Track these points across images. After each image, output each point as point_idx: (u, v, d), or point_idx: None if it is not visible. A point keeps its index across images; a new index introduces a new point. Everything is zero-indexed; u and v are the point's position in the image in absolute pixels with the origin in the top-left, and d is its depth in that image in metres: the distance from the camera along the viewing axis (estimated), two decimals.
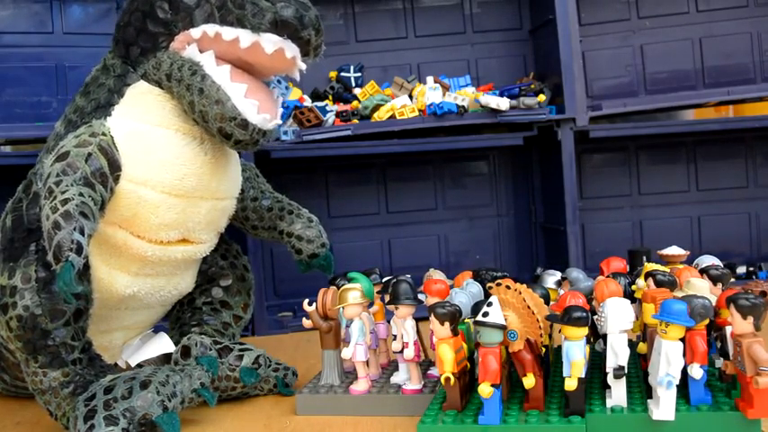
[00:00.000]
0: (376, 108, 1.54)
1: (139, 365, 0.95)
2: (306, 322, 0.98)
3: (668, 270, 0.91)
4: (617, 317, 0.77)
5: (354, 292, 0.92)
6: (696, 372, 0.75)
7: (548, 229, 1.70)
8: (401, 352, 0.90)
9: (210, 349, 0.95)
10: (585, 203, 1.70)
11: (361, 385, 0.92)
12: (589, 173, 1.73)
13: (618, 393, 0.78)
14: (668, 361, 0.73)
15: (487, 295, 0.92)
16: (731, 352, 0.80)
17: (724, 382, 0.82)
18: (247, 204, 1.07)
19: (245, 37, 0.83)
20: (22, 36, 1.50)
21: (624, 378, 0.77)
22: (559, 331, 0.78)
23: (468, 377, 0.85)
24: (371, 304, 0.97)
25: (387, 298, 0.94)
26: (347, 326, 0.94)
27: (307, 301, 0.97)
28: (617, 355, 0.76)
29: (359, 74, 1.65)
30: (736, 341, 0.75)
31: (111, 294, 0.92)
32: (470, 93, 1.57)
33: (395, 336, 0.91)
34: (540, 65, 1.69)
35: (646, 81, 1.71)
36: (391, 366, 1.01)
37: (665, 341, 0.73)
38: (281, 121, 0.92)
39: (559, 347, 0.83)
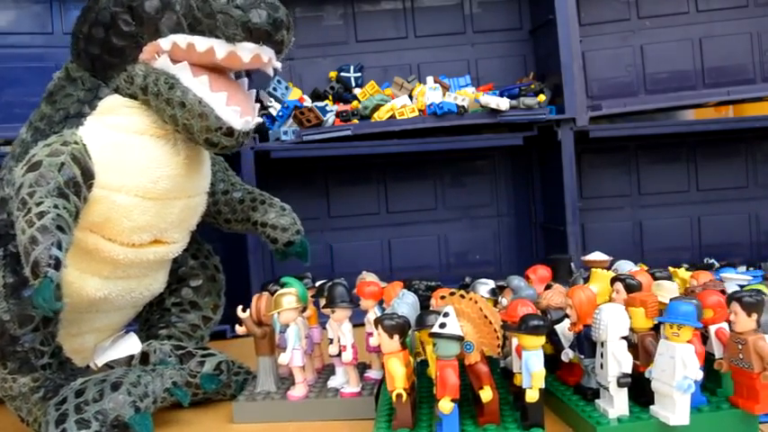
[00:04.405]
0: (376, 108, 1.54)
1: (110, 366, 0.94)
2: (239, 329, 0.96)
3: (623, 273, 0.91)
4: (615, 323, 0.75)
5: (289, 296, 0.91)
6: (698, 373, 0.74)
7: (548, 229, 1.69)
8: (338, 355, 0.89)
9: (170, 356, 0.94)
10: (585, 203, 1.70)
11: (298, 390, 0.91)
12: (589, 173, 1.73)
13: (620, 403, 0.76)
14: (684, 364, 0.71)
15: (424, 306, 0.92)
16: (718, 350, 0.81)
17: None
18: (219, 198, 1.06)
19: (219, 47, 0.82)
20: (22, 37, 1.51)
21: (627, 387, 0.76)
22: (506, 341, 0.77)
23: (416, 392, 0.83)
24: (304, 309, 0.96)
25: (321, 302, 0.93)
26: (281, 331, 0.93)
27: (240, 307, 0.96)
28: (620, 362, 0.75)
29: (359, 74, 1.65)
30: (738, 339, 0.76)
31: (81, 298, 0.91)
32: (470, 93, 1.57)
33: (331, 339, 0.91)
34: (540, 65, 1.69)
35: (646, 81, 1.71)
36: (326, 371, 1.00)
37: (679, 345, 0.72)
38: (259, 119, 0.91)
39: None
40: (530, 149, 1.69)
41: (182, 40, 0.84)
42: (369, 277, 1.01)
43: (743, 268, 1.61)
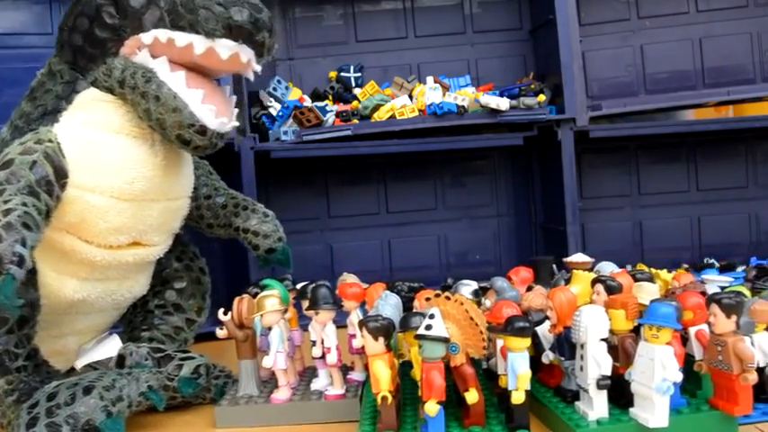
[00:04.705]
0: (376, 108, 1.54)
1: (95, 368, 0.93)
2: (220, 332, 0.94)
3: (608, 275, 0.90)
4: (595, 325, 0.75)
5: (272, 299, 0.90)
6: (678, 375, 0.73)
7: (548, 229, 1.69)
8: (322, 357, 0.88)
9: (147, 359, 0.93)
10: (585, 203, 1.70)
11: (282, 393, 0.90)
12: (589, 173, 1.73)
13: (600, 405, 0.75)
14: (663, 366, 0.71)
15: (406, 308, 0.91)
16: (698, 352, 0.80)
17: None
18: (201, 203, 1.05)
19: (199, 43, 0.82)
20: (22, 37, 1.50)
21: (606, 389, 0.75)
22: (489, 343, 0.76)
23: (401, 394, 0.82)
24: (285, 311, 0.95)
25: (303, 304, 0.92)
26: (263, 334, 0.92)
27: (222, 310, 0.94)
28: (599, 364, 0.74)
29: (359, 74, 1.65)
30: (718, 341, 0.75)
31: (60, 300, 0.90)
32: (470, 93, 1.57)
33: (314, 341, 0.89)
34: (540, 65, 1.69)
35: (646, 81, 1.71)
36: (307, 373, 0.99)
37: (658, 346, 0.72)
38: (237, 123, 0.89)
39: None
40: (530, 149, 1.69)
41: (162, 34, 0.83)
42: (350, 278, 1.00)
43: (742, 268, 1.61)
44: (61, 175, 0.83)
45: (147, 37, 0.85)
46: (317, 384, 0.92)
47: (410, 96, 1.58)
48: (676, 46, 1.71)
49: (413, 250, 1.72)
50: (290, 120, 1.55)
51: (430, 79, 1.59)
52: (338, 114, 1.55)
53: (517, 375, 0.72)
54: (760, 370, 0.79)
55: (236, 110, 0.90)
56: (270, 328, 0.89)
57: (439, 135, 1.61)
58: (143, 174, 0.88)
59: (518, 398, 0.72)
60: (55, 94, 0.91)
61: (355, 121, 1.54)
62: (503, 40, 1.74)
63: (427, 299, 0.80)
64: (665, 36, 1.71)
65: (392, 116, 1.52)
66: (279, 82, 1.62)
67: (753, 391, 0.76)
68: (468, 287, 0.97)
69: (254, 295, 0.93)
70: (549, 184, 1.68)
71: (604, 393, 0.75)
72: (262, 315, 0.90)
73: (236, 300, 0.94)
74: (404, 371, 0.85)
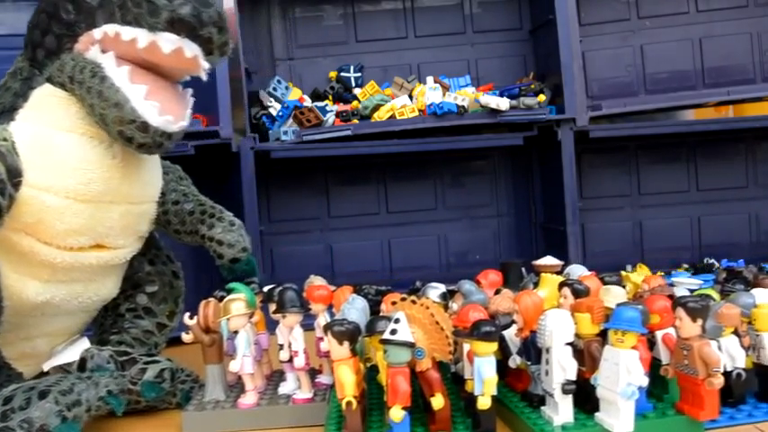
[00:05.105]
0: (376, 108, 1.54)
1: (67, 371, 0.92)
2: (185, 337, 0.93)
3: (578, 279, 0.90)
4: (560, 329, 0.74)
5: (238, 302, 0.88)
6: (643, 379, 0.73)
7: (548, 229, 1.69)
8: (290, 361, 0.87)
9: (109, 362, 0.91)
10: (585, 203, 1.70)
11: (249, 398, 0.89)
12: (589, 173, 1.73)
13: (565, 410, 0.75)
14: (628, 371, 0.70)
15: (374, 311, 0.90)
16: (664, 356, 0.80)
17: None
18: (168, 208, 1.03)
19: (142, 37, 0.80)
20: (21, 39, 1.50)
21: (572, 393, 0.74)
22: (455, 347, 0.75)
23: (366, 399, 0.81)
24: (252, 314, 0.93)
25: (271, 307, 0.91)
26: (230, 338, 0.90)
27: (188, 314, 0.93)
28: (564, 369, 0.73)
29: (359, 74, 1.65)
30: (684, 345, 0.75)
31: (22, 302, 0.89)
32: (470, 93, 1.57)
33: (281, 345, 0.88)
34: (540, 65, 1.69)
35: (646, 81, 1.71)
36: (275, 377, 0.98)
37: (623, 351, 0.71)
38: (186, 123, 0.86)
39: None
40: (530, 149, 1.69)
41: (111, 29, 0.82)
42: (317, 281, 0.99)
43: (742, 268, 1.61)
44: (14, 173, 0.82)
45: (98, 32, 0.84)
46: (284, 388, 0.91)
47: (410, 96, 1.58)
48: (676, 46, 1.71)
49: (413, 250, 1.72)
50: (290, 120, 1.55)
51: (430, 79, 1.59)
52: (338, 114, 1.55)
53: (483, 380, 0.71)
54: (727, 374, 0.78)
55: (189, 112, 0.87)
56: (236, 332, 0.88)
57: (439, 135, 1.61)
58: (99, 175, 0.87)
59: (484, 403, 0.71)
60: (13, 92, 0.90)
61: (355, 121, 1.54)
62: (503, 40, 1.74)
63: (393, 303, 0.78)
64: (665, 36, 1.71)
65: (392, 116, 1.52)
66: (279, 82, 1.62)
67: (720, 394, 0.76)
68: (435, 290, 0.97)
69: (221, 299, 0.91)
70: (549, 184, 1.68)
71: (570, 398, 0.75)
72: (228, 319, 0.88)
73: (202, 303, 0.92)
74: (371, 375, 0.84)
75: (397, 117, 1.52)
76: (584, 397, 0.76)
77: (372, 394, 0.86)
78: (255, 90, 1.62)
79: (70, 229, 0.87)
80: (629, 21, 1.72)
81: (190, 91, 0.89)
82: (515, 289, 0.95)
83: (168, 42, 0.80)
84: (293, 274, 1.66)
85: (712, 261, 1.60)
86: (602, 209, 1.74)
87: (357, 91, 1.62)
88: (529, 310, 0.80)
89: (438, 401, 0.72)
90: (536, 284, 0.98)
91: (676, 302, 0.76)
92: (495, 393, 0.72)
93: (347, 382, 0.72)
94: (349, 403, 0.72)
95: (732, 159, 1.75)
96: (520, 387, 0.84)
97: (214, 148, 1.43)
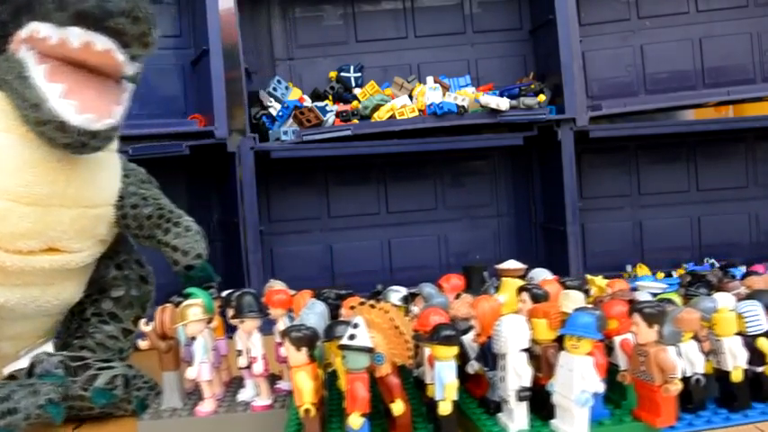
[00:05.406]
0: (376, 108, 1.54)
1: (15, 376, 0.91)
2: (141, 344, 0.90)
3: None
4: (515, 335, 0.73)
5: (195, 308, 0.86)
6: (599, 386, 0.73)
7: (548, 229, 1.69)
8: (248, 367, 0.86)
9: (57, 368, 0.89)
10: (585, 203, 1.70)
11: (207, 406, 0.86)
12: (589, 173, 1.73)
13: (520, 416, 0.74)
14: (582, 377, 0.70)
15: (333, 316, 0.89)
16: (622, 362, 0.79)
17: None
18: (127, 212, 1.00)
19: (53, 33, 0.78)
20: None
21: (527, 400, 0.73)
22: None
23: (326, 406, 0.79)
24: (211, 320, 0.91)
25: (229, 312, 0.89)
26: (187, 344, 0.88)
27: (143, 320, 0.91)
28: (519, 376, 0.72)
29: (359, 74, 1.65)
30: (640, 351, 0.74)
31: None
32: (470, 93, 1.57)
33: (239, 351, 0.87)
34: (540, 65, 1.69)
35: (646, 81, 1.71)
36: (234, 384, 0.96)
37: (577, 357, 0.70)
38: (113, 120, 0.83)
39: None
40: (530, 149, 1.69)
41: (34, 28, 0.81)
42: (277, 285, 0.97)
43: (743, 268, 1.61)
44: None
45: (24, 31, 0.82)
46: (243, 395, 0.89)
47: (410, 96, 1.58)
48: (676, 46, 1.71)
49: (413, 250, 1.72)
50: (290, 120, 1.55)
51: (430, 79, 1.59)
52: (338, 114, 1.55)
53: (444, 385, 0.70)
54: (686, 379, 0.78)
55: (119, 108, 0.84)
56: (194, 338, 0.86)
57: (439, 135, 1.61)
58: (42, 177, 0.85)
59: (445, 408, 0.70)
60: None
61: (355, 121, 1.54)
62: (503, 40, 1.74)
63: (352, 307, 0.77)
64: (665, 36, 1.71)
65: (392, 116, 1.52)
66: (279, 82, 1.62)
67: (680, 399, 0.76)
68: (396, 293, 0.95)
69: (177, 304, 0.89)
70: (549, 184, 1.68)
71: (525, 405, 0.74)
72: (184, 325, 0.86)
73: (158, 309, 0.90)
74: (332, 381, 0.83)
75: (397, 117, 1.52)
76: (541, 403, 0.75)
77: (333, 400, 0.83)
78: (255, 90, 1.62)
79: (17, 233, 0.85)
80: (629, 21, 1.72)
81: (128, 87, 0.86)
82: (477, 293, 0.93)
83: (76, 37, 0.77)
84: (293, 274, 1.66)
85: (712, 261, 1.60)
86: (602, 209, 1.74)
87: (357, 91, 1.62)
88: (486, 316, 0.79)
89: (398, 407, 0.71)
90: (498, 289, 0.97)
91: (632, 308, 0.75)
92: (455, 398, 0.71)
93: (305, 388, 0.71)
94: (307, 410, 0.71)
95: (732, 159, 1.75)
96: (478, 393, 0.83)
97: (213, 148, 1.43)
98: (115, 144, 0.98)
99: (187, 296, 0.89)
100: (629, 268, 1.65)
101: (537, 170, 1.73)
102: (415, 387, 0.86)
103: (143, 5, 0.78)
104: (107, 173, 0.96)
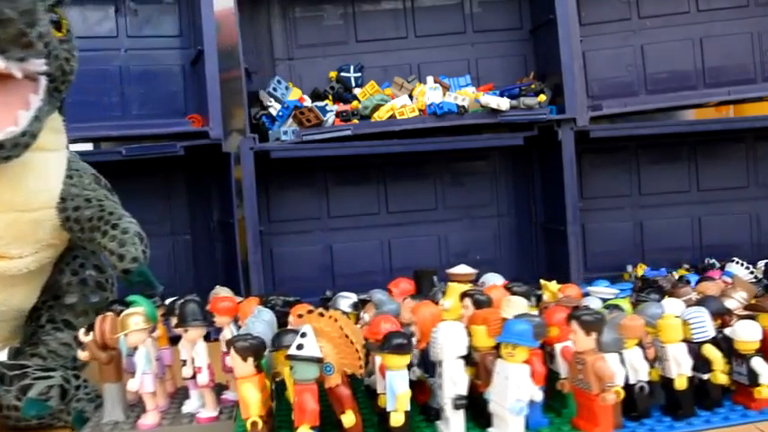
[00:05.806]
0: (376, 108, 1.54)
1: None
2: (81, 354, 0.87)
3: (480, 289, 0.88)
4: (452, 342, 0.72)
5: (136, 317, 0.83)
6: (536, 394, 0.72)
7: (548, 229, 1.69)
8: (193, 378, 0.83)
9: None
10: (586, 203, 1.70)
11: (150, 418, 0.84)
12: (589, 173, 1.73)
13: (457, 424, 0.73)
14: (517, 386, 0.69)
15: (281, 323, 0.87)
16: (563, 370, 0.78)
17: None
18: (69, 214, 0.95)
19: None
20: None
21: (463, 408, 0.72)
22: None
23: (274, 418, 0.78)
24: (154, 329, 0.89)
25: (173, 321, 0.87)
26: (129, 355, 0.85)
27: (83, 330, 0.88)
28: (455, 383, 0.72)
29: (359, 74, 1.64)
30: (578, 359, 0.74)
31: None
32: (470, 93, 1.57)
33: (184, 361, 0.84)
34: (540, 65, 1.69)
35: (646, 81, 1.71)
36: (179, 395, 0.93)
37: (512, 365, 0.70)
38: (16, 128, 0.79)
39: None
40: (530, 149, 1.69)
41: None
42: (223, 292, 0.96)
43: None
44: None
45: None
46: (188, 407, 0.87)
47: (410, 96, 1.58)
48: (677, 46, 1.70)
49: (413, 250, 1.72)
50: (290, 120, 1.55)
51: (430, 79, 1.59)
52: (338, 114, 1.54)
53: (396, 395, 0.69)
54: (630, 386, 0.77)
55: (29, 114, 0.81)
56: (136, 348, 0.83)
57: (439, 135, 1.60)
58: None
59: (397, 420, 0.69)
60: None
61: (355, 121, 1.54)
62: (503, 39, 1.74)
63: (300, 315, 0.75)
64: (665, 36, 1.71)
65: (392, 116, 1.52)
66: (279, 82, 1.62)
67: (623, 407, 0.75)
68: (347, 300, 0.94)
69: (119, 313, 0.86)
70: (549, 184, 1.67)
71: (461, 413, 0.73)
72: (126, 334, 0.83)
73: (98, 318, 0.87)
74: (280, 391, 0.81)
75: (397, 117, 1.51)
76: (479, 411, 0.75)
77: (282, 412, 0.81)
78: (255, 90, 1.62)
79: None
80: (630, 20, 1.72)
81: (42, 84, 0.83)
82: (425, 298, 0.91)
83: None
84: (293, 275, 1.66)
85: (713, 261, 1.60)
86: (602, 209, 1.74)
87: (357, 91, 1.61)
88: (426, 321, 0.78)
89: (349, 419, 0.70)
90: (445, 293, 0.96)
91: (570, 315, 0.75)
92: (408, 409, 0.70)
93: (252, 400, 0.69)
94: (254, 423, 0.69)
95: (732, 159, 1.75)
96: (422, 399, 0.81)
97: (212, 149, 1.43)
98: (60, 143, 0.96)
99: (128, 304, 0.87)
100: (629, 268, 1.65)
101: (537, 170, 1.73)
102: (367, 396, 0.84)
103: (7, 6, 0.72)
104: (43, 175, 0.92)
